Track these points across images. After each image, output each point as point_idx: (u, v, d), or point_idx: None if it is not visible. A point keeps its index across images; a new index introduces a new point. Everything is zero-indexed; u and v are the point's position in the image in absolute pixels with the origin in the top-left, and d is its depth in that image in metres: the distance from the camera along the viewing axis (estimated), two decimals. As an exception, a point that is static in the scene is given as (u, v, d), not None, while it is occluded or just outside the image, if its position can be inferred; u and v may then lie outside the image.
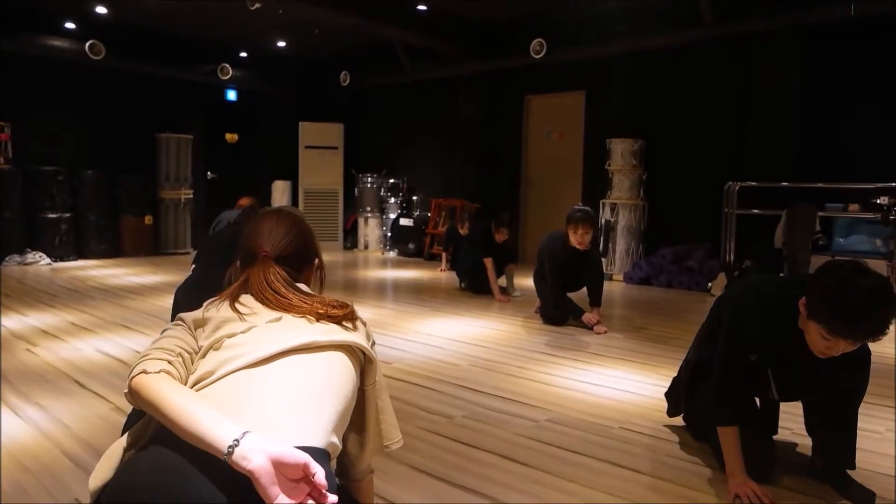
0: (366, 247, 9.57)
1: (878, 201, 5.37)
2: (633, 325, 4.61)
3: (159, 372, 1.08)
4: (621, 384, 3.15)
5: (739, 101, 6.48)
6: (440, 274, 7.17)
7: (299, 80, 10.12)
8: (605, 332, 4.27)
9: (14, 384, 2.97)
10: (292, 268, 1.35)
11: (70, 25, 7.81)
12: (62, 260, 7.66)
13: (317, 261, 1.46)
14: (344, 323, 1.27)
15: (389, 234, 9.15)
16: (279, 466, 0.92)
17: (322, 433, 1.08)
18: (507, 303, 5.39)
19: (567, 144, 8.08)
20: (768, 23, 6.03)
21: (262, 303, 1.25)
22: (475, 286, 5.80)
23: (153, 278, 6.57)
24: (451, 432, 2.48)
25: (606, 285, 5.38)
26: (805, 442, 2.28)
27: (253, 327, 1.19)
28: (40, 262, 7.42)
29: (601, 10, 7.08)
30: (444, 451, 2.31)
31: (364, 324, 1.33)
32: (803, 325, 1.86)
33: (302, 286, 1.34)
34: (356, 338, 1.25)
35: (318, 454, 1.03)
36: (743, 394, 2.10)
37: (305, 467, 0.94)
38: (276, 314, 1.23)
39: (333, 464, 1.15)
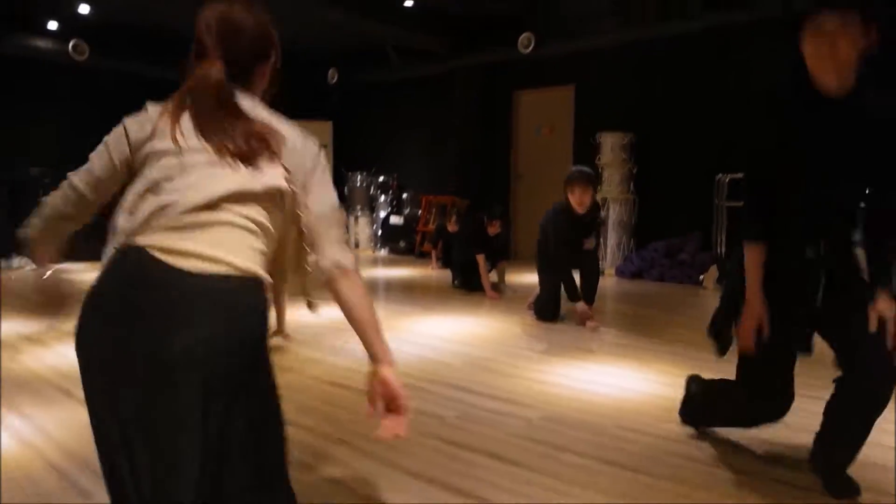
0: (356, 245, 9.52)
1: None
2: (626, 319, 4.60)
3: None
4: (615, 381, 3.13)
5: (727, 92, 6.46)
6: (431, 272, 7.14)
7: (287, 78, 9.96)
8: (597, 326, 4.24)
9: (-2, 393, 2.92)
10: (240, 67, 1.27)
11: (53, 25, 7.71)
12: (49, 263, 7.56)
13: (273, 58, 1.38)
14: (265, 157, 1.20)
15: (380, 233, 9.10)
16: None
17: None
18: (498, 300, 5.36)
19: (557, 139, 8.06)
20: (754, 13, 6.01)
21: (197, 128, 1.19)
22: (467, 283, 5.77)
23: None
24: (443, 433, 2.44)
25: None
26: (803, 441, 2.26)
27: (185, 168, 1.15)
28: (26, 267, 7.33)
29: (589, 3, 7.05)
30: (435, 452, 2.27)
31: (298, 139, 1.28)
32: (804, 51, 1.75)
33: (243, 99, 1.26)
34: (274, 179, 1.20)
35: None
36: (772, 208, 1.86)
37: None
38: (204, 146, 1.17)
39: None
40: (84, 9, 7.24)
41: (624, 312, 4.89)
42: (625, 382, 3.11)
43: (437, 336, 4.07)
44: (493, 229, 5.67)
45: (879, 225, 1.84)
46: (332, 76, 9.65)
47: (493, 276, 5.73)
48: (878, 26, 1.70)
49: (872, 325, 1.75)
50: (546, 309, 4.53)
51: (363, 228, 9.54)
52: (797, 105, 1.82)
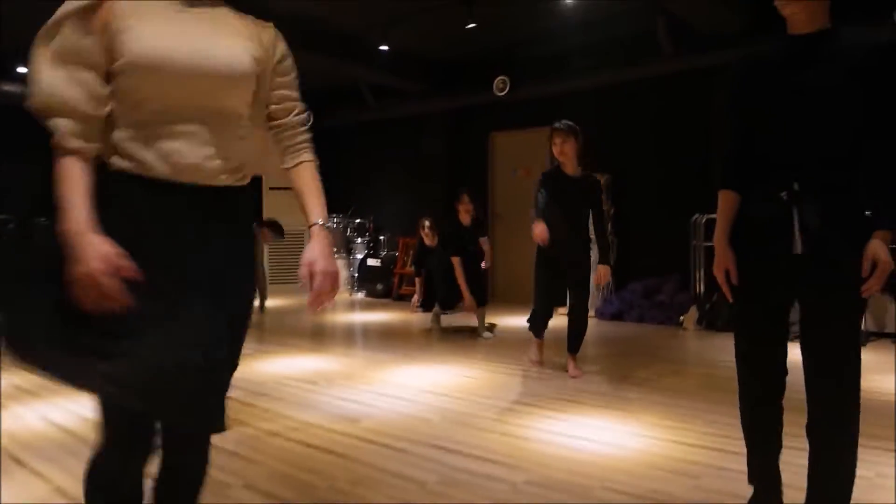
0: (333, 288, 9.36)
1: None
2: (610, 365, 4.50)
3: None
4: (601, 435, 3.02)
5: (703, 133, 6.53)
6: (411, 316, 7.01)
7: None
8: (580, 375, 4.14)
9: (-55, 464, 2.72)
10: None
11: (23, 69, 7.59)
12: (13, 313, 7.30)
13: None
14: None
15: (357, 275, 8.97)
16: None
17: None
18: (473, 312, 5.38)
19: (533, 181, 8.05)
20: (727, 55, 6.11)
21: None
22: (449, 300, 5.53)
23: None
24: (425, 500, 2.31)
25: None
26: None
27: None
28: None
29: (564, 46, 7.13)
30: (416, 525, 2.14)
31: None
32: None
33: None
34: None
35: None
36: (747, 159, 1.84)
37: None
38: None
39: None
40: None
41: (607, 356, 4.80)
42: (612, 437, 3.00)
43: (416, 388, 3.93)
44: (467, 213, 5.46)
45: (876, 169, 1.72)
46: (308, 118, 9.60)
47: (470, 319, 5.64)
48: None
49: (865, 271, 1.63)
50: (537, 316, 4.24)
51: (340, 271, 9.39)
52: (770, 48, 1.80)
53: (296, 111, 1.56)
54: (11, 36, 6.82)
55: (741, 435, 2.03)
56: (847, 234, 1.70)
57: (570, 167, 4.13)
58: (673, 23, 5.92)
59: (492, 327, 5.91)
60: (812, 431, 1.80)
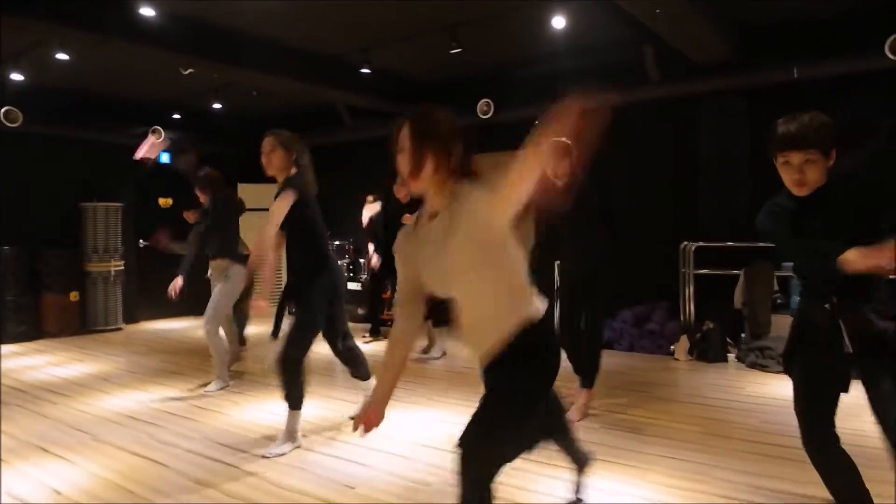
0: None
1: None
2: (604, 405, 4.36)
3: None
4: (606, 498, 2.87)
5: (690, 160, 6.48)
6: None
7: (237, 141, 9.72)
8: (583, 418, 4.00)
9: None
10: None
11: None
12: (-25, 347, 6.94)
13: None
14: None
15: (337, 299, 8.74)
16: None
17: None
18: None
19: (518, 202, 7.94)
20: (714, 83, 6.07)
21: None
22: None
23: (80, 368, 5.98)
24: None
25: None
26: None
27: None
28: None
29: (549, 69, 7.03)
30: None
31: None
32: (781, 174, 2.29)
33: None
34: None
35: None
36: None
37: None
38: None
39: None
40: (16, 76, 6.80)
41: (600, 393, 4.67)
42: (616, 498, 2.86)
43: (413, 441, 3.72)
44: (403, 191, 5.85)
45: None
46: (285, 138, 9.36)
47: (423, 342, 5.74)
48: (836, 151, 2.19)
49: None
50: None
51: (319, 294, 9.16)
52: (785, 209, 2.32)
53: None
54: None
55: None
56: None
57: (560, 182, 4.08)
58: (661, 50, 5.84)
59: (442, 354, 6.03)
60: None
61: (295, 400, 3.58)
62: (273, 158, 3.66)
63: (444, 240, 1.75)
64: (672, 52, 5.66)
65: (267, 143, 3.68)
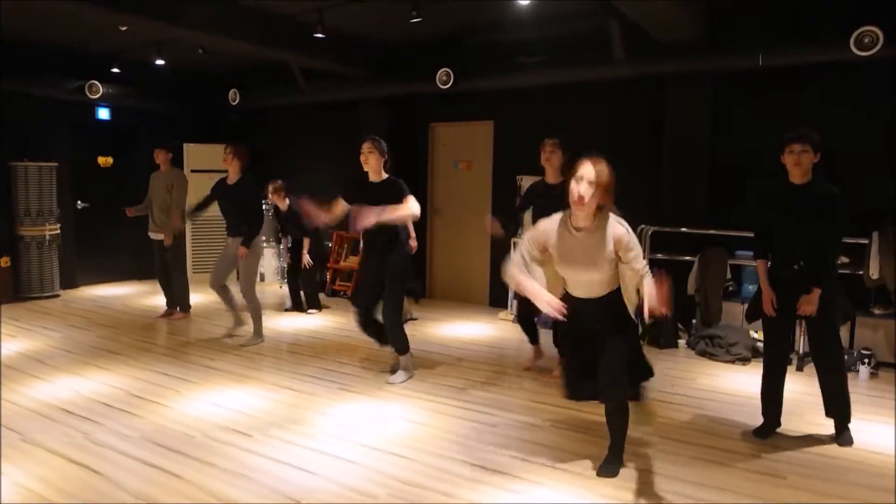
0: (262, 279, 8.87)
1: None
2: (554, 399, 4.29)
3: None
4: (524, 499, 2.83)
5: (653, 142, 6.38)
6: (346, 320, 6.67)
7: (182, 98, 9.20)
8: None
9: None
10: None
11: None
12: None
13: None
14: None
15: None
16: None
17: None
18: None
19: (475, 175, 7.77)
20: (679, 66, 5.94)
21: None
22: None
23: (10, 346, 5.64)
24: None
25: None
26: None
27: None
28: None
29: (512, 39, 6.79)
30: None
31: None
32: (783, 161, 3.55)
33: None
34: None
35: None
36: (769, 243, 3.67)
37: None
38: None
39: None
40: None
41: (550, 386, 4.63)
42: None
43: (360, 442, 3.60)
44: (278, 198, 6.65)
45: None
46: (234, 97, 8.92)
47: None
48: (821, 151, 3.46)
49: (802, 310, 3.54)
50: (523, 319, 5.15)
51: (269, 261, 8.90)
52: (780, 190, 3.61)
53: None
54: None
55: None
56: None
57: (552, 175, 4.66)
58: (627, 27, 5.66)
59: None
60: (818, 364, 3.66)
61: (403, 347, 4.70)
62: (370, 159, 4.66)
63: (597, 247, 2.98)
64: (639, 28, 5.47)
65: (366, 146, 4.67)
